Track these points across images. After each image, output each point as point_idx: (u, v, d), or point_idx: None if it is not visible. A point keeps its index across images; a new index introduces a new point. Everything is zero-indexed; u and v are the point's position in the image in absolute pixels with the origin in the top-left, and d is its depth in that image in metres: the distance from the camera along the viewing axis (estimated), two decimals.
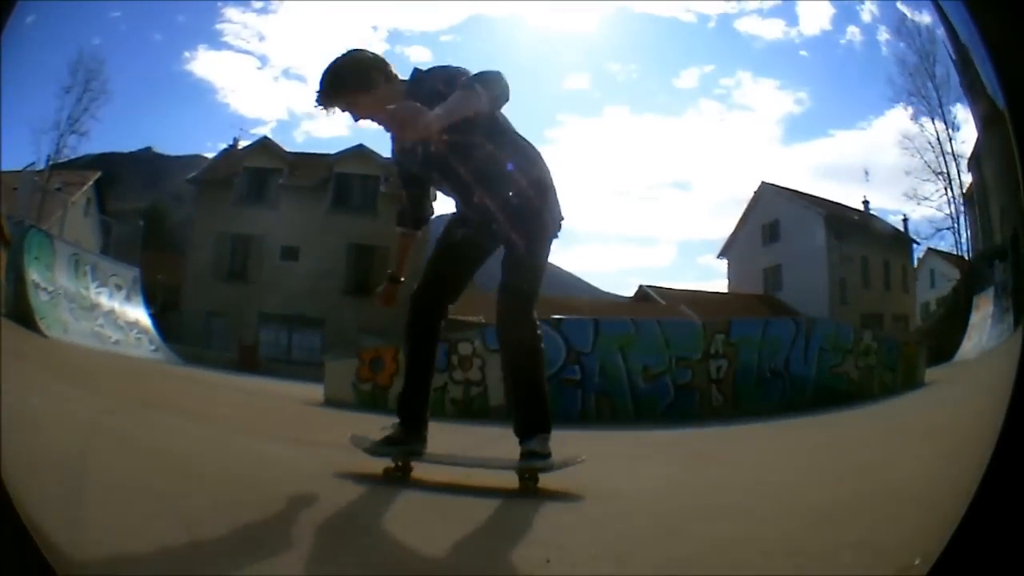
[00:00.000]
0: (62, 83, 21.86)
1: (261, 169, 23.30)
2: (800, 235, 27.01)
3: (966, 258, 9.55)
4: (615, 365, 10.04)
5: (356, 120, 4.14)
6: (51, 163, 21.01)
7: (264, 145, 23.81)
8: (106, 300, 15.41)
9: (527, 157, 4.39)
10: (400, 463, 4.53)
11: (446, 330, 5.16)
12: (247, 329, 21.35)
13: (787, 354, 9.89)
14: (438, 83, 3.88)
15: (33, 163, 14.63)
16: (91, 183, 21.45)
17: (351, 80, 4.05)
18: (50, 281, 13.47)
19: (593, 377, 10.06)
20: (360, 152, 23.70)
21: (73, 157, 22.02)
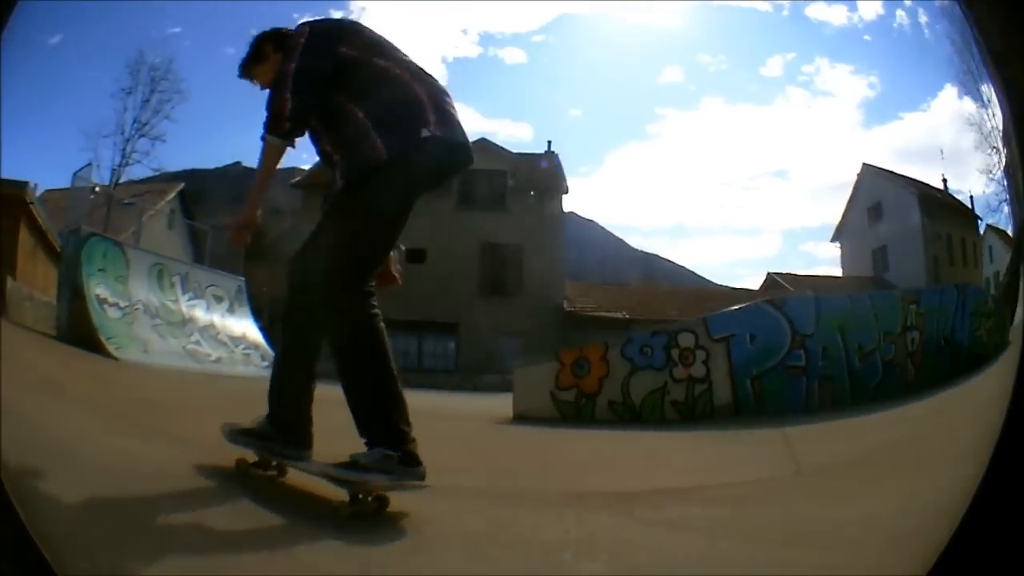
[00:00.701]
0: (119, 85, 22.89)
1: None
2: (900, 215, 28.96)
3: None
4: (836, 346, 9.29)
5: (263, 90, 3.59)
6: (118, 169, 21.15)
7: None
8: (203, 313, 13.50)
9: None
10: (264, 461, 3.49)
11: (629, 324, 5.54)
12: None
13: (952, 322, 9.48)
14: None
15: (88, 165, 12.66)
16: (174, 195, 22.04)
17: (250, 55, 3.71)
18: (123, 295, 11.35)
19: (816, 361, 9.23)
20: (484, 146, 23.49)
21: (153, 172, 22.23)
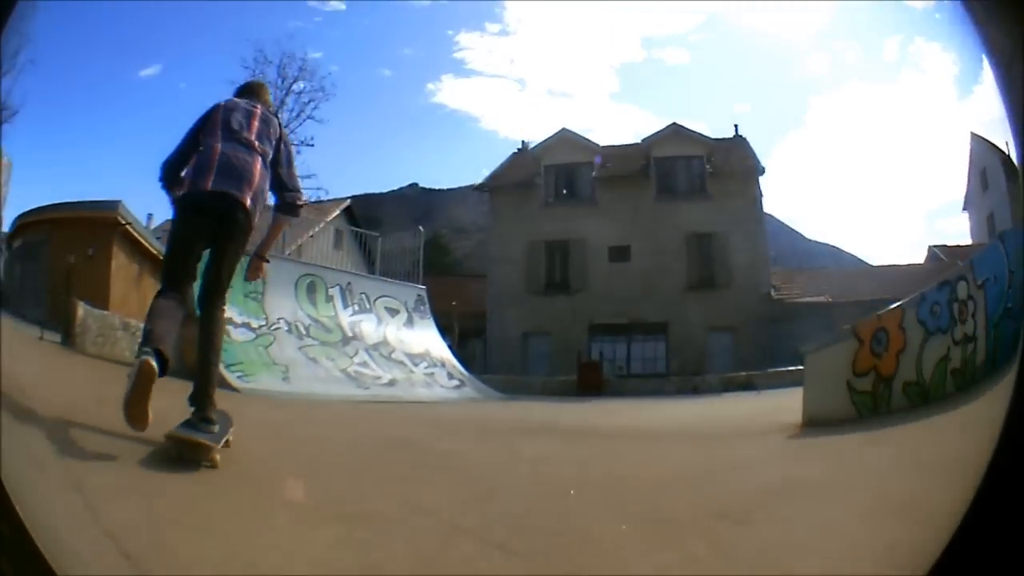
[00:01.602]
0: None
1: (568, 164, 21.70)
2: (999, 181, 25.97)
3: None
4: None
5: None
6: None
7: (565, 138, 21.88)
8: (372, 329, 11.18)
9: None
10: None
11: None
12: (573, 346, 18.31)
13: None
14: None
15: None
16: (339, 212, 19.89)
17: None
18: (255, 313, 9.52)
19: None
20: (677, 132, 22.04)
21: (315, 192, 20.47)
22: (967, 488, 1.80)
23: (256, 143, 4.14)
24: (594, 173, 21.34)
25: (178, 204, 4.02)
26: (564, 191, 21.72)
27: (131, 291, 12.18)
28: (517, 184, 21.83)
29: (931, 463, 3.95)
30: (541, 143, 22.12)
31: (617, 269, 20.16)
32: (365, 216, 21.92)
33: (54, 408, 3.70)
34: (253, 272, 4.36)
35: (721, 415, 9.65)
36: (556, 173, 21.54)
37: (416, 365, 11.11)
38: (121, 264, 12.71)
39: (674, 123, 22.51)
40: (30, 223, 16.00)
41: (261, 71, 19.44)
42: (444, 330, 13.31)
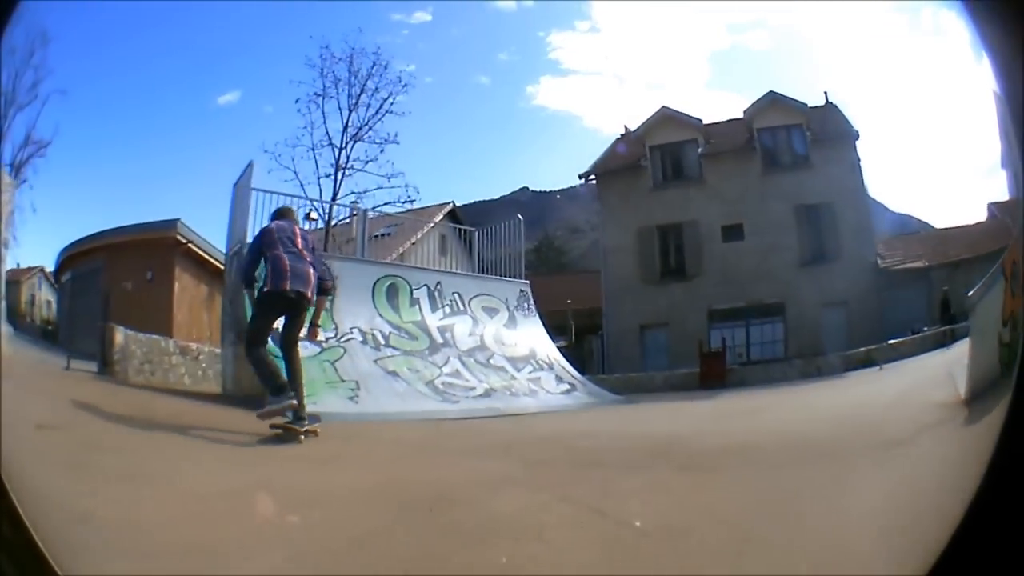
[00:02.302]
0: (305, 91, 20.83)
1: (672, 143, 20.38)
2: None
3: None
4: None
5: None
6: (338, 182, 18.90)
7: (667, 116, 20.58)
8: (466, 333, 9.95)
9: None
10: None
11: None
12: (692, 335, 16.95)
13: None
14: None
15: (248, 166, 10.13)
16: (442, 217, 18.88)
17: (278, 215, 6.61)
18: (323, 322, 7.92)
19: None
20: (775, 100, 20.53)
21: (406, 202, 19.53)
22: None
23: (305, 253, 6.21)
24: (700, 150, 20.20)
25: (265, 297, 6.05)
26: (671, 171, 20.51)
27: (199, 313, 11.76)
28: (623, 169, 20.74)
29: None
30: (643, 124, 20.87)
31: (732, 249, 18.84)
32: (476, 223, 21.00)
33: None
34: (313, 335, 6.60)
35: (868, 402, 7.97)
36: (662, 153, 20.41)
37: (519, 370, 9.71)
38: (186, 286, 12.12)
39: (771, 91, 21.13)
40: (80, 253, 15.80)
41: (329, 69, 18.44)
42: (560, 330, 12.46)
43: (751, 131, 20.00)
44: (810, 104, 21.07)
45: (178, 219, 12.11)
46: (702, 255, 19.25)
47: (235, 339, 8.31)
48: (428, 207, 19.14)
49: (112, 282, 13.78)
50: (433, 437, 6.62)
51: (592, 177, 21.73)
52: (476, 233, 13.69)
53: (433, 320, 9.73)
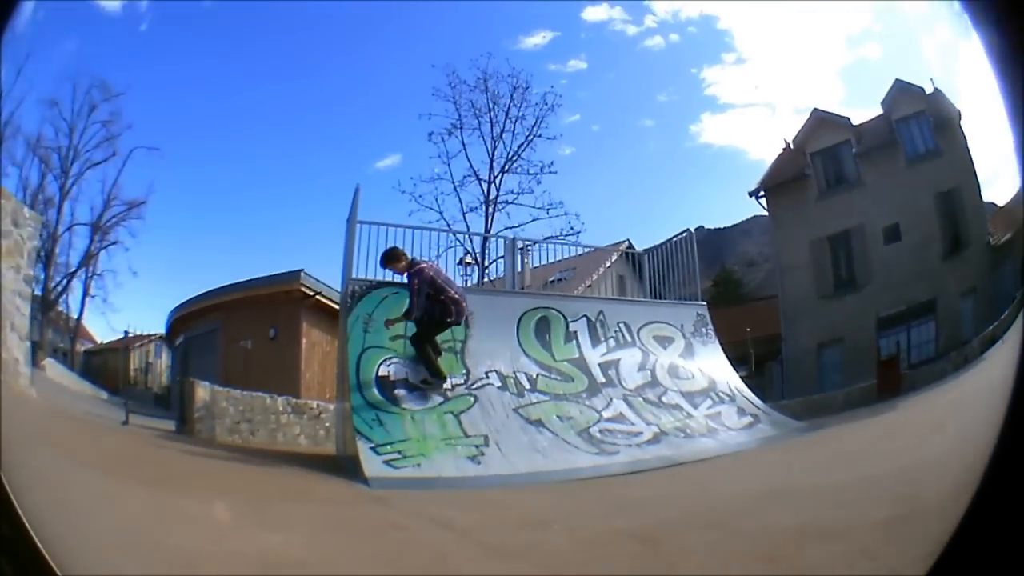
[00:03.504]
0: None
1: (830, 147, 19.14)
2: None
3: None
4: None
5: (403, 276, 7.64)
6: (492, 209, 17.58)
7: (820, 119, 19.39)
8: (633, 368, 8.39)
9: None
10: None
11: None
12: (864, 347, 15.86)
13: None
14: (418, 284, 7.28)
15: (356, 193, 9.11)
16: (617, 258, 17.51)
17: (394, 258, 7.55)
18: (450, 366, 7.53)
19: None
20: (903, 89, 18.67)
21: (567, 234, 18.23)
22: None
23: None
24: (854, 151, 18.87)
25: (444, 324, 7.41)
26: (834, 177, 19.43)
27: (329, 367, 10.85)
28: (789, 181, 19.69)
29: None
30: (799, 132, 19.80)
31: (892, 251, 17.58)
32: (654, 265, 20.12)
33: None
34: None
35: None
36: (823, 159, 19.40)
37: (696, 406, 8.03)
38: (316, 341, 11.36)
39: (897, 79, 19.42)
40: (193, 314, 15.69)
41: (465, 98, 17.39)
42: (740, 360, 11.11)
43: (891, 123, 18.73)
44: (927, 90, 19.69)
45: (301, 270, 11.43)
46: (869, 261, 17.92)
47: (345, 391, 7.33)
48: (602, 248, 17.46)
49: (229, 342, 13.65)
50: (563, 506, 4.97)
51: (762, 194, 20.32)
52: (646, 256, 12.36)
53: (594, 356, 8.28)
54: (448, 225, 15.39)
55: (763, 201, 20.42)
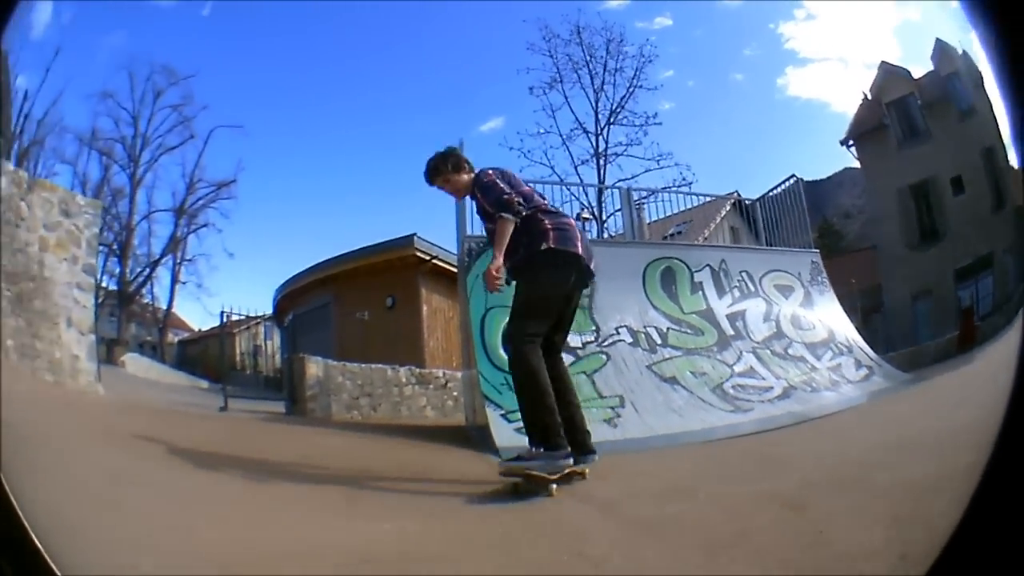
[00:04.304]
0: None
1: (900, 99, 18.83)
2: None
3: None
4: None
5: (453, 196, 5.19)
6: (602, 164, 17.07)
7: (888, 71, 19.49)
8: (759, 319, 8.07)
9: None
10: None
11: None
12: (948, 298, 15.24)
13: None
14: (481, 200, 4.49)
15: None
16: (727, 208, 17.73)
17: (452, 164, 4.75)
18: (579, 324, 6.79)
19: None
20: (943, 48, 16.54)
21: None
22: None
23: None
24: (918, 102, 18.24)
25: (552, 258, 4.29)
26: (908, 127, 18.90)
27: (453, 333, 10.47)
28: (872, 130, 19.33)
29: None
30: (872, 84, 19.27)
31: (959, 203, 17.02)
32: (765, 214, 20.04)
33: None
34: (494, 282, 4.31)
35: None
36: (896, 110, 18.93)
37: (819, 358, 7.68)
38: (437, 307, 11.03)
39: (937, 38, 17.37)
40: (301, 289, 15.39)
41: (561, 52, 17.08)
42: (849, 312, 10.22)
43: (943, 79, 17.70)
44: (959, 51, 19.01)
45: (414, 234, 11.15)
46: (944, 211, 17.29)
47: (471, 356, 6.82)
48: (718, 197, 17.09)
49: (344, 315, 13.36)
50: (706, 469, 4.61)
51: (851, 143, 19.93)
52: (758, 205, 11.98)
53: (721, 307, 7.85)
54: (561, 179, 15.12)
55: (853, 150, 20.07)
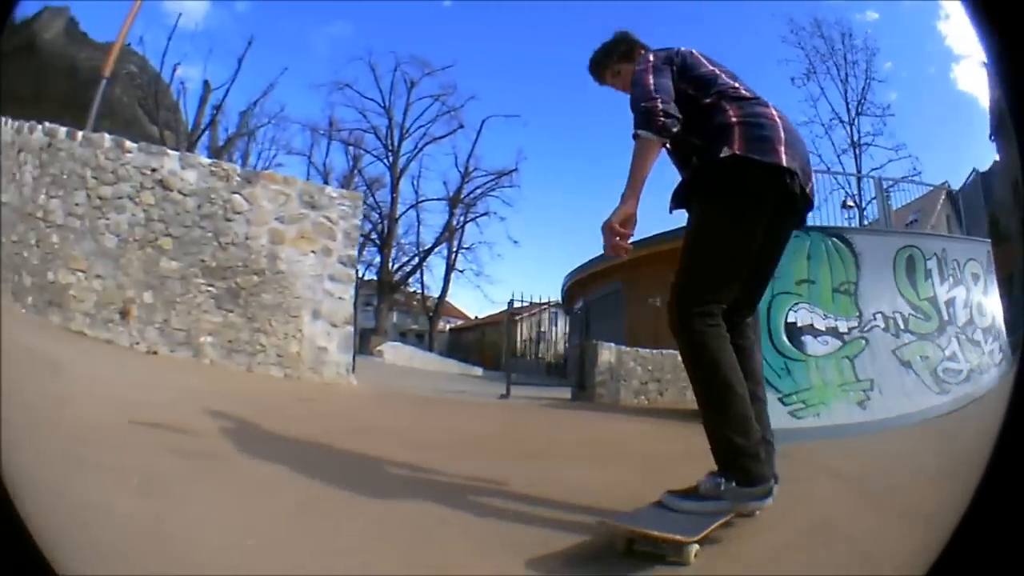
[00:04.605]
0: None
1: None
2: None
3: None
4: None
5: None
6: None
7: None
8: (963, 304, 8.52)
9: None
10: None
11: None
12: None
13: None
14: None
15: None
16: (943, 197, 18.12)
17: (615, 54, 3.52)
18: (845, 312, 7.52)
19: None
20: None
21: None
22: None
23: None
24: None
25: (745, 179, 2.86)
26: None
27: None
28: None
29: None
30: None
31: None
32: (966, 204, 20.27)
33: None
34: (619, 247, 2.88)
35: None
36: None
37: (987, 342, 8.52)
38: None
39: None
40: (591, 276, 15.49)
41: (808, 44, 17.40)
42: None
43: None
44: None
45: None
46: None
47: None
48: (940, 187, 18.15)
49: (635, 301, 14.13)
50: (933, 447, 5.31)
51: (993, 136, 19.77)
52: (960, 196, 12.58)
53: (942, 293, 8.32)
54: (827, 168, 15.71)
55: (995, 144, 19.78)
